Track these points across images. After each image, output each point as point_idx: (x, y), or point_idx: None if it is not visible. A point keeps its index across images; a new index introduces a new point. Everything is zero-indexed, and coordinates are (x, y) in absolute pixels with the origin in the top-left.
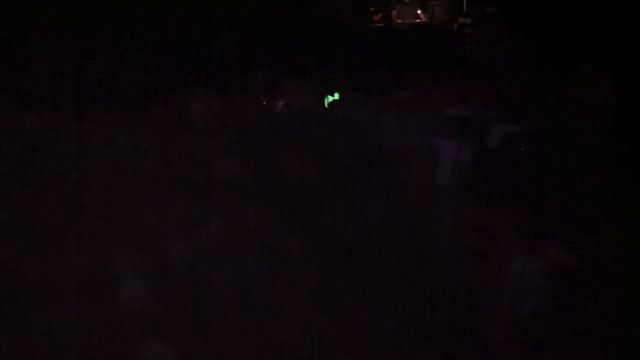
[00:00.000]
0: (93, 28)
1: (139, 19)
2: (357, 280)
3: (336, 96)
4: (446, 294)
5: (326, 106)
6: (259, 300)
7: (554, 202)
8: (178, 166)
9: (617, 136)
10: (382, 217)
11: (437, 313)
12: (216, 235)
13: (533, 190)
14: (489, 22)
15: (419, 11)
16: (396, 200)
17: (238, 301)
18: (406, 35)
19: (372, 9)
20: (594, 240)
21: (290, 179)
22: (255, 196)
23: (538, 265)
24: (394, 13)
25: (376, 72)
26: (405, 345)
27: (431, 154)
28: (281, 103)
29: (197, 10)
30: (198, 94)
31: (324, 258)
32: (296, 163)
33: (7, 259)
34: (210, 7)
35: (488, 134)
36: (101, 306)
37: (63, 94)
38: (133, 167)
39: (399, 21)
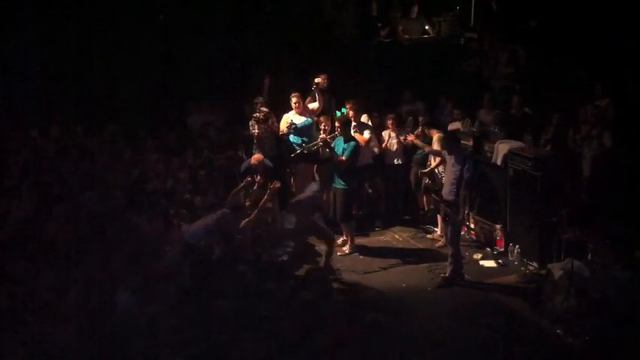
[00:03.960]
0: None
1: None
2: None
3: (344, 110)
4: None
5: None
6: None
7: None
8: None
9: (622, 150)
10: None
11: None
12: None
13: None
14: (495, 38)
15: (426, 27)
16: None
17: None
18: (413, 50)
19: (379, 24)
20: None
21: None
22: None
23: None
24: (401, 28)
25: (383, 86)
26: None
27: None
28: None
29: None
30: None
31: None
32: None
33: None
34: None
35: (493, 149)
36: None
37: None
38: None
39: (406, 36)
